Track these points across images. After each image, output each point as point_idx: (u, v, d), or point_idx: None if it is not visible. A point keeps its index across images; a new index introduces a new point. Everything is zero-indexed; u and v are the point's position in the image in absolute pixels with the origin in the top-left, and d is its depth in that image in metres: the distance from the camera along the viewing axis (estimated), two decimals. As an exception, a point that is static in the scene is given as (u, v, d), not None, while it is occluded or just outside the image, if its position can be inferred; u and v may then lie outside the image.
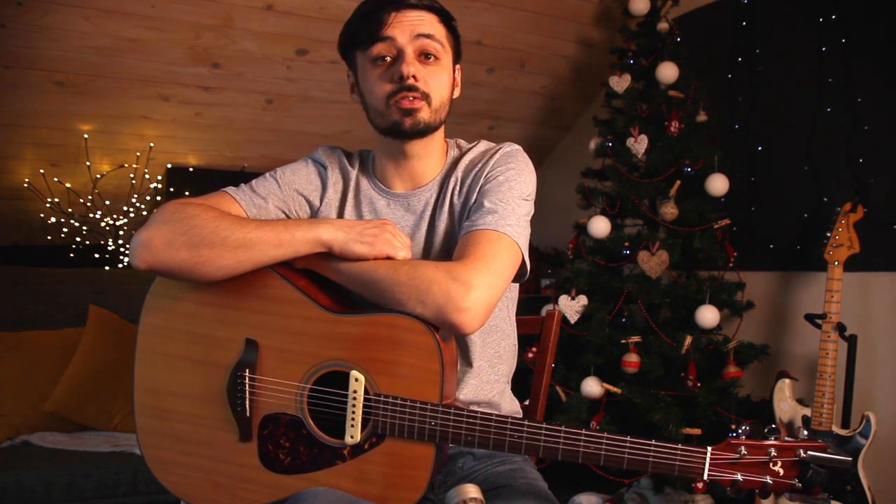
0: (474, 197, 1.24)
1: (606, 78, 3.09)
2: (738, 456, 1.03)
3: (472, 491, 1.02)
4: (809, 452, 1.02)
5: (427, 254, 1.27)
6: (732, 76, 3.15)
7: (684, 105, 2.95)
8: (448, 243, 1.26)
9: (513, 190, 1.21)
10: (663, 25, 3.03)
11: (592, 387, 2.71)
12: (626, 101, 2.98)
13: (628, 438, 1.05)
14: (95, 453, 2.27)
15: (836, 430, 2.27)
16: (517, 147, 1.29)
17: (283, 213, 1.28)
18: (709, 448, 1.04)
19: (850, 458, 1.03)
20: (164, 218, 1.14)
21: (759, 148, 3.03)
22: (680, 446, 1.04)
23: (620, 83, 3.03)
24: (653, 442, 1.04)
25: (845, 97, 2.69)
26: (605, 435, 1.05)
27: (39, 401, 2.41)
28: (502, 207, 1.18)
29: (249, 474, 1.17)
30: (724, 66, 3.17)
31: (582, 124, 4.03)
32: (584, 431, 1.06)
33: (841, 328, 2.34)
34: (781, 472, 1.03)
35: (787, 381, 2.40)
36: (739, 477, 1.03)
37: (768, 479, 1.03)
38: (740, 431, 1.05)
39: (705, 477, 1.03)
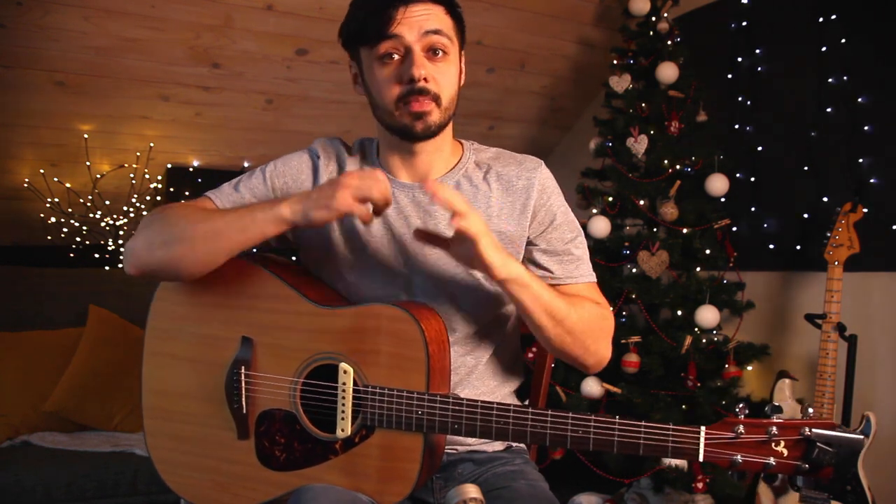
0: (517, 213, 1.24)
1: (606, 78, 3.09)
2: (734, 435, 0.99)
3: (472, 491, 1.02)
4: (815, 430, 0.97)
5: (433, 248, 1.23)
6: (732, 76, 3.15)
7: (684, 105, 2.95)
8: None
9: (578, 226, 1.31)
10: (663, 25, 3.03)
11: (592, 387, 2.71)
12: (626, 101, 2.98)
13: (617, 420, 1.03)
14: (95, 453, 2.27)
15: (836, 430, 2.27)
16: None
17: None
18: (703, 427, 1.01)
19: (861, 437, 0.97)
20: (144, 224, 1.19)
21: (759, 148, 3.03)
22: (671, 426, 1.01)
23: (620, 83, 3.03)
24: (643, 423, 1.02)
25: (845, 97, 2.69)
26: (593, 417, 1.04)
27: (39, 401, 2.41)
28: (585, 252, 1.30)
29: (248, 472, 1.17)
30: (724, 66, 3.17)
31: (582, 124, 4.03)
32: (570, 414, 1.04)
33: (841, 328, 2.33)
34: (785, 452, 0.99)
35: (787, 381, 2.40)
36: (739, 458, 0.99)
37: (771, 461, 0.99)
38: (738, 410, 1.02)
39: (701, 458, 1.00)
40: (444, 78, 1.19)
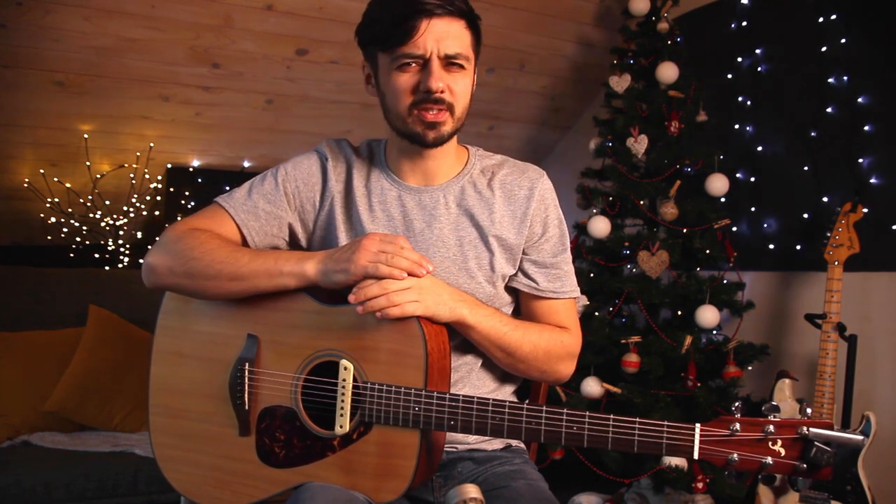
0: (517, 222, 1.26)
1: (606, 78, 3.09)
2: (729, 432, 0.99)
3: (472, 491, 1.02)
4: (812, 430, 0.96)
5: (436, 251, 1.25)
6: (732, 76, 3.15)
7: (684, 105, 2.95)
8: (458, 243, 1.26)
9: (568, 241, 1.34)
10: (663, 25, 3.03)
11: (592, 387, 2.71)
12: (626, 101, 2.98)
13: (611, 416, 1.03)
14: (95, 453, 2.27)
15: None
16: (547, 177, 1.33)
17: (274, 214, 1.27)
18: (697, 424, 1.00)
19: (859, 437, 0.96)
20: (168, 244, 1.21)
21: (759, 148, 3.03)
22: (666, 423, 1.01)
23: (620, 83, 3.03)
24: (637, 419, 1.02)
25: (845, 97, 2.69)
26: (588, 413, 1.04)
27: (39, 401, 2.41)
28: (571, 268, 1.33)
29: (247, 469, 1.18)
30: (724, 66, 3.17)
31: (582, 124, 4.03)
32: (565, 411, 1.05)
33: (841, 328, 2.34)
34: (783, 451, 0.98)
35: (787, 381, 2.40)
36: (735, 456, 0.98)
37: (769, 460, 0.98)
38: (734, 408, 1.01)
39: (696, 455, 0.99)
40: (460, 88, 1.21)
